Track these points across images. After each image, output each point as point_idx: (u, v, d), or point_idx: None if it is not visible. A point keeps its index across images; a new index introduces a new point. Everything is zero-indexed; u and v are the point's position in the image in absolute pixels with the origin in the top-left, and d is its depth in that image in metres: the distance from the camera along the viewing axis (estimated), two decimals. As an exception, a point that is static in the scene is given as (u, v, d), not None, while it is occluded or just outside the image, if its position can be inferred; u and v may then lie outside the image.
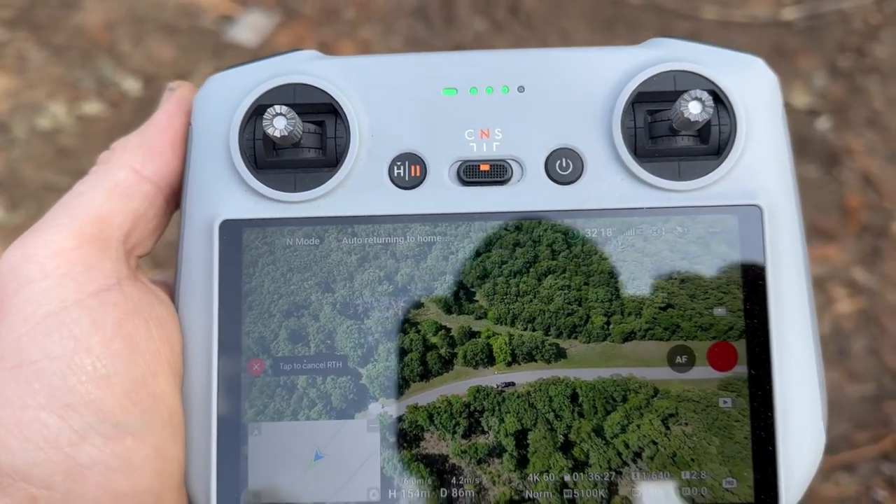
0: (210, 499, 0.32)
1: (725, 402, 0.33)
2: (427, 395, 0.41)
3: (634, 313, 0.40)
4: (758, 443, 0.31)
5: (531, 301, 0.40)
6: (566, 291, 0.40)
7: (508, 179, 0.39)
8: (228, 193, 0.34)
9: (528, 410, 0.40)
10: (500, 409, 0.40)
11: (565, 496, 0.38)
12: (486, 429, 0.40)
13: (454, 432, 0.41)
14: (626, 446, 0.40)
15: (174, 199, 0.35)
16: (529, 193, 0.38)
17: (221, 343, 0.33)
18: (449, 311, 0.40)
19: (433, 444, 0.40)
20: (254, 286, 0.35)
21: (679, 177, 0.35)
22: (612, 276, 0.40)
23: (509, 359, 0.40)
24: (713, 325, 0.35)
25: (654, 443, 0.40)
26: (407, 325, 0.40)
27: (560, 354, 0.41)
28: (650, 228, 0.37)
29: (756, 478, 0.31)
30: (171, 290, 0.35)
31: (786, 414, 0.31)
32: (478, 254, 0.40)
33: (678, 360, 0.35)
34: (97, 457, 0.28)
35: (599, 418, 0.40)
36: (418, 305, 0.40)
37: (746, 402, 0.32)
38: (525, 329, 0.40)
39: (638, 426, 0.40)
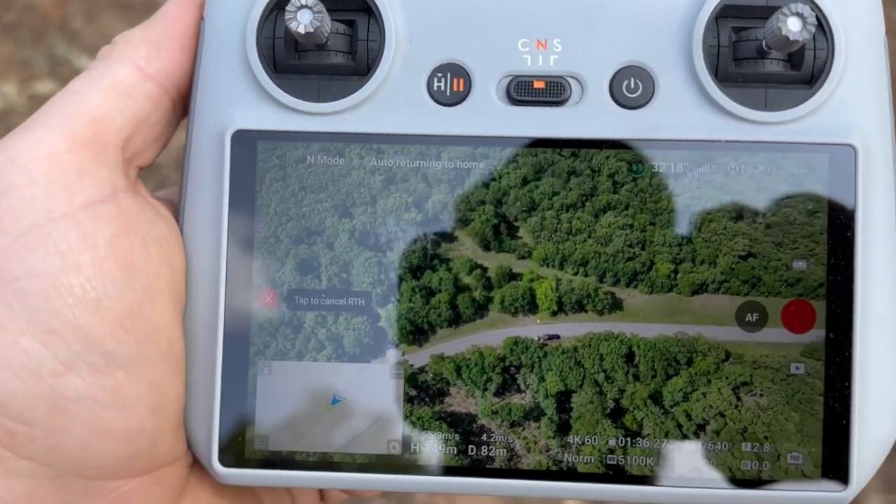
0: (211, 443, 0.28)
1: (798, 367, 0.29)
2: (456, 343, 0.35)
3: (708, 261, 0.33)
4: (830, 415, 0.28)
5: (585, 241, 0.34)
6: (628, 231, 0.34)
7: (566, 100, 0.32)
8: (243, 100, 0.30)
9: (573, 369, 0.34)
10: (540, 366, 0.34)
11: (608, 461, 0.32)
12: (522, 387, 0.35)
13: (485, 389, 0.35)
14: (688, 417, 0.34)
15: (182, 103, 0.31)
16: (590, 117, 0.32)
17: (230, 270, 0.29)
18: (487, 247, 0.34)
19: (459, 401, 0.35)
20: (268, 206, 0.31)
21: (765, 107, 0.29)
22: (684, 216, 0.33)
23: (555, 307, 0.34)
24: (791, 280, 0.29)
25: (722, 415, 0.34)
26: (436, 260, 0.34)
27: (615, 305, 0.34)
28: (729, 165, 0.31)
29: (825, 453, 0.28)
30: (175, 209, 0.31)
31: (864, 384, 0.28)
32: (525, 181, 0.34)
33: (748, 318, 0.30)
34: (84, 390, 0.25)
35: (658, 383, 0.34)
36: (451, 239, 0.34)
37: (821, 369, 0.28)
38: (576, 273, 0.34)
39: (704, 394, 0.34)
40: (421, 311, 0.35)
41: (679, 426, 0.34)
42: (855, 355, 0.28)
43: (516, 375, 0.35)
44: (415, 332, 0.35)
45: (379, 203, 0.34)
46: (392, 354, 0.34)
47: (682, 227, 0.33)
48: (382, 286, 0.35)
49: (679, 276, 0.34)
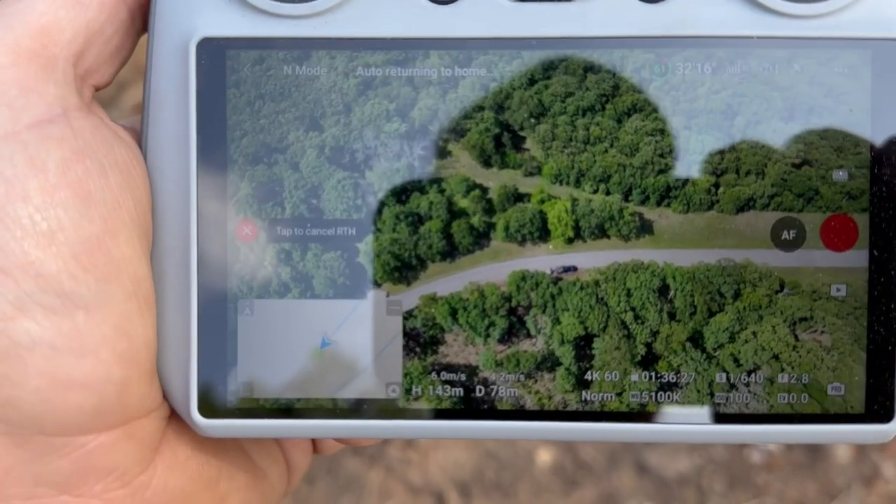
0: (189, 393, 0.25)
1: (839, 289, 0.25)
2: (451, 280, 0.29)
3: (755, 172, 0.28)
4: (875, 341, 0.25)
5: (606, 151, 0.28)
6: (658, 138, 0.28)
7: None
8: (208, 4, 0.26)
9: (594, 308, 0.28)
10: (554, 305, 0.28)
11: (630, 399, 0.27)
12: (533, 332, 0.29)
13: (487, 335, 0.29)
14: (736, 362, 0.28)
15: (141, 14, 0.27)
16: (605, 12, 0.26)
17: (201, 198, 0.26)
18: (487, 162, 0.28)
19: (457, 350, 0.29)
20: (242, 124, 0.27)
21: None
22: (726, 117, 0.27)
23: (571, 233, 0.28)
24: (831, 191, 0.25)
25: (777, 357, 0.28)
26: (425, 180, 0.28)
27: (644, 229, 0.28)
28: (761, 64, 0.26)
29: (869, 383, 0.25)
30: (138, 136, 0.27)
31: None
32: (532, 81, 0.28)
33: (784, 235, 0.26)
34: (39, 335, 0.23)
35: (699, 321, 0.28)
36: (443, 153, 0.28)
37: (865, 290, 0.25)
38: (595, 191, 0.28)
39: (754, 334, 0.28)
40: (408, 243, 0.28)
41: (725, 372, 0.28)
42: None
43: (525, 318, 0.29)
44: (401, 269, 0.29)
45: (354, 112, 0.28)
46: (374, 297, 0.28)
47: (724, 131, 0.27)
48: (360, 213, 0.28)
49: (721, 190, 0.28)
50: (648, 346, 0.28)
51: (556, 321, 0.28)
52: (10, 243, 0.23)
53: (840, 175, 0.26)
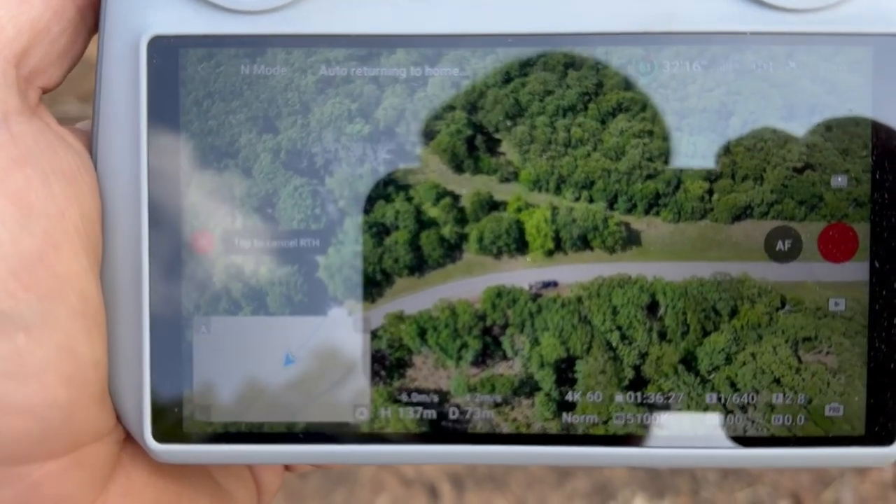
0: (143, 416, 0.24)
1: (837, 303, 0.24)
2: (419, 297, 0.26)
3: (753, 177, 0.25)
4: (876, 359, 0.23)
5: (589, 154, 0.25)
6: (645, 140, 0.25)
7: None
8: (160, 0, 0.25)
9: (577, 327, 0.26)
10: (532, 324, 0.26)
11: (615, 423, 0.25)
12: (509, 354, 0.26)
13: (459, 358, 0.26)
14: (733, 386, 0.25)
15: (91, 14, 0.25)
16: (587, 6, 0.24)
17: (153, 208, 0.24)
18: (459, 167, 0.26)
19: (426, 373, 0.26)
20: (195, 127, 0.25)
21: None
22: (721, 116, 0.25)
23: (551, 245, 0.26)
24: (829, 199, 0.24)
25: (778, 381, 0.25)
26: (391, 187, 0.26)
27: (631, 240, 0.26)
28: (755, 62, 0.24)
29: (869, 404, 0.24)
30: (89, 140, 0.26)
31: None
32: (507, 79, 0.25)
33: (779, 246, 0.24)
34: None
35: (692, 342, 0.26)
36: (410, 158, 0.26)
37: (865, 304, 0.23)
38: (577, 199, 0.26)
39: (753, 355, 0.25)
40: (372, 256, 0.26)
41: (721, 398, 0.25)
42: None
43: (501, 338, 0.26)
44: (364, 285, 0.26)
45: (313, 112, 0.25)
46: (335, 315, 0.26)
47: (719, 132, 0.25)
48: (319, 224, 0.26)
49: (715, 197, 0.25)
50: (637, 368, 0.25)
51: (535, 342, 0.26)
52: None
53: (839, 181, 0.24)
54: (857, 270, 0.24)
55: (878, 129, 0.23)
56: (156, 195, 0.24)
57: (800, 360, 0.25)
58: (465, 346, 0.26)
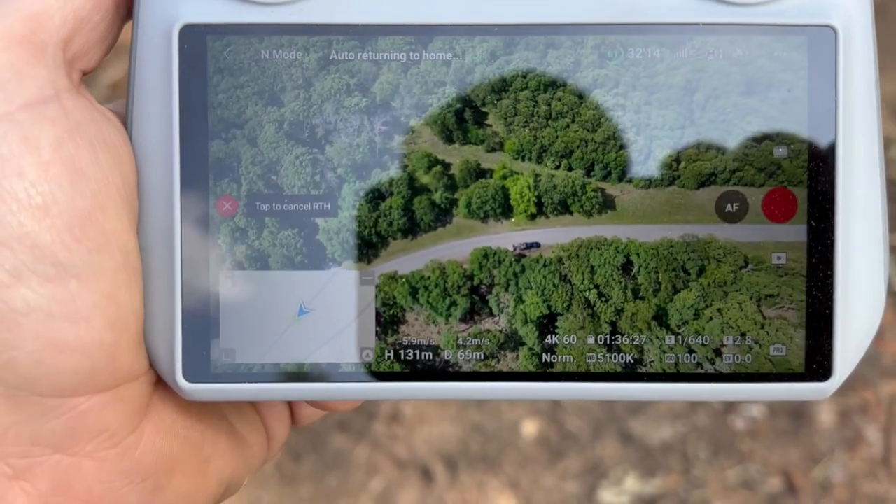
0: (174, 359, 0.27)
1: (779, 258, 0.26)
2: (411, 258, 0.28)
3: (716, 147, 0.27)
4: (813, 305, 0.26)
5: (568, 126, 0.28)
6: (620, 113, 0.27)
7: None
8: None
9: (558, 286, 0.28)
10: (517, 284, 0.28)
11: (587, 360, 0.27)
12: (495, 311, 0.28)
13: (448, 315, 0.28)
14: (701, 340, 0.27)
15: (126, 3, 0.28)
16: (564, 1, 0.27)
17: (184, 176, 0.27)
18: (449, 138, 0.28)
19: (417, 330, 0.28)
20: (221, 106, 0.27)
21: None
22: (687, 92, 0.27)
23: (533, 209, 0.28)
24: (771, 167, 0.26)
25: (743, 335, 0.27)
26: (387, 156, 0.28)
27: (607, 204, 0.28)
28: (707, 49, 0.26)
29: (808, 344, 0.26)
30: (124, 118, 0.28)
31: (847, 273, 0.26)
32: (493, 56, 0.27)
33: (728, 208, 0.27)
34: (35, 302, 0.24)
35: (663, 298, 0.28)
36: (405, 129, 0.28)
37: (804, 258, 0.26)
38: (558, 167, 0.28)
39: (720, 311, 0.27)
40: (368, 220, 0.28)
41: (690, 351, 0.27)
42: (837, 243, 0.26)
43: (487, 296, 0.28)
44: (360, 247, 0.28)
45: (314, 86, 0.28)
46: (340, 271, 0.27)
47: (686, 106, 0.27)
48: (319, 189, 0.28)
49: (682, 165, 0.27)
50: (613, 324, 0.27)
51: (520, 300, 0.28)
52: (7, 216, 0.24)
53: (780, 151, 0.26)
54: (796, 229, 0.26)
55: (813, 107, 0.26)
56: (186, 165, 0.27)
57: (763, 316, 0.27)
58: (454, 304, 0.28)
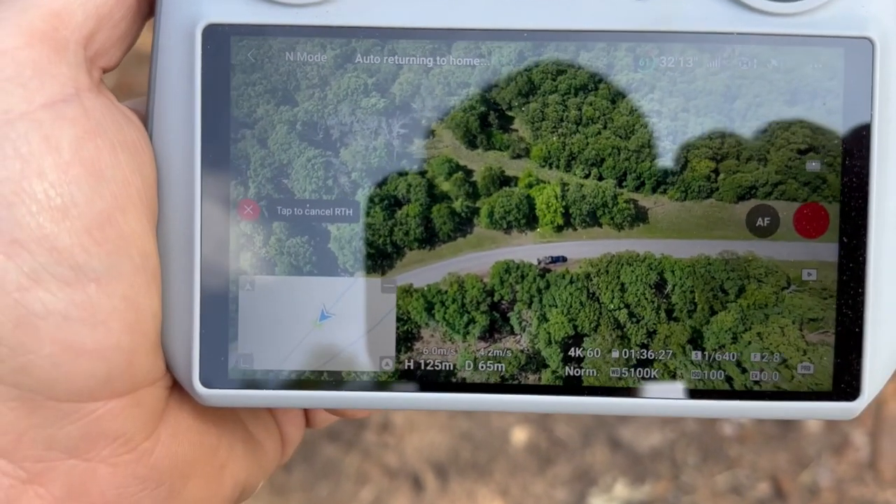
0: (192, 363, 0.26)
1: (810, 273, 0.25)
2: (428, 270, 0.26)
3: (757, 158, 0.26)
4: (843, 323, 0.25)
5: (599, 133, 0.26)
6: (655, 120, 0.26)
7: None
8: None
9: (586, 304, 0.26)
10: (541, 301, 0.25)
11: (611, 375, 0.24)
12: (517, 329, 0.26)
13: (466, 332, 0.26)
14: (740, 368, 0.25)
15: (147, 0, 0.28)
16: (593, 8, 0.25)
17: (205, 179, 0.26)
18: (472, 143, 0.26)
19: (433, 348, 0.26)
20: (244, 108, 0.27)
21: None
22: (727, 99, 0.25)
23: (560, 221, 0.26)
24: (804, 181, 0.25)
25: (786, 363, 0.25)
26: (405, 161, 0.26)
27: (639, 217, 0.26)
28: (741, 60, 0.25)
29: (837, 363, 0.26)
30: (143, 117, 0.28)
31: (878, 290, 0.26)
32: (521, 58, 0.26)
33: (759, 222, 0.26)
34: (53, 305, 0.24)
35: (699, 320, 0.25)
36: (425, 133, 0.26)
37: (834, 274, 0.25)
38: (587, 176, 0.26)
39: (759, 335, 0.25)
40: (383, 229, 0.26)
41: (728, 378, 0.25)
42: (869, 261, 0.25)
43: (509, 313, 0.26)
44: (375, 257, 0.26)
45: (330, 85, 0.26)
46: (359, 278, 0.26)
47: (725, 114, 0.25)
48: (332, 195, 0.26)
49: (721, 177, 0.25)
50: (645, 346, 0.25)
51: (543, 318, 0.26)
52: (26, 217, 0.23)
53: (813, 166, 0.25)
54: (827, 245, 0.25)
55: (848, 121, 0.25)
56: (207, 167, 0.26)
57: (806, 341, 0.25)
58: (472, 321, 0.26)
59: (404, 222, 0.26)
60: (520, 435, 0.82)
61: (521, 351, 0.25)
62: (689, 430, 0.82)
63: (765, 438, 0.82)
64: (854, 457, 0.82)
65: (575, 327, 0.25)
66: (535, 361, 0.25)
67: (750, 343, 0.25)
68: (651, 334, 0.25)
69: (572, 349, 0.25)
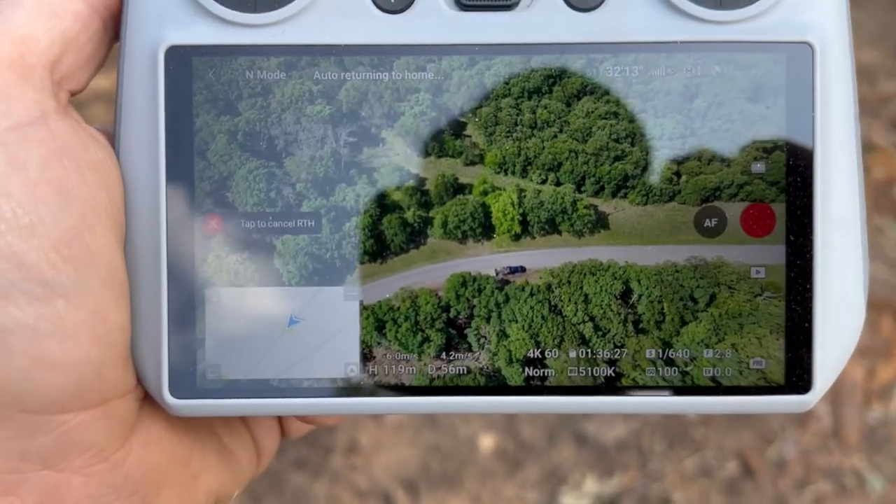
0: (161, 374, 0.27)
1: (758, 271, 0.25)
2: (379, 285, 0.24)
3: (719, 159, 0.24)
4: (792, 318, 0.26)
5: (556, 136, 0.24)
6: (612, 122, 0.24)
7: (517, 3, 0.25)
8: (176, 15, 0.27)
9: (547, 318, 0.24)
10: (500, 315, 0.24)
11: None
12: (475, 346, 0.24)
13: (420, 351, 0.24)
14: (715, 381, 0.23)
15: (113, 23, 0.28)
16: (542, 21, 0.25)
17: (170, 194, 0.27)
18: (424, 150, 0.24)
19: (385, 367, 0.24)
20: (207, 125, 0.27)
21: (720, 5, 0.26)
22: (686, 98, 0.24)
23: (518, 229, 0.24)
24: (750, 182, 0.25)
25: (740, 359, 0.23)
26: (353, 170, 0.24)
27: (600, 223, 0.24)
28: (686, 67, 0.25)
29: (788, 357, 0.26)
30: (111, 137, 0.28)
31: (825, 286, 0.26)
32: (472, 61, 0.25)
33: (707, 223, 0.26)
34: (23, 319, 0.25)
35: (669, 331, 0.24)
36: (374, 141, 0.24)
37: (782, 271, 0.26)
38: (544, 181, 0.24)
39: (734, 346, 0.23)
40: (329, 242, 0.24)
41: (683, 375, 0.23)
42: (816, 257, 0.26)
43: (466, 329, 0.24)
44: (321, 272, 0.24)
45: (274, 93, 0.24)
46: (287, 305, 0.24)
47: (685, 113, 0.24)
48: (275, 207, 0.24)
49: (684, 179, 0.24)
50: (613, 363, 0.23)
51: (503, 334, 0.24)
52: None
53: (758, 167, 0.25)
54: (775, 244, 0.26)
55: (791, 123, 0.25)
56: (172, 183, 0.26)
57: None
58: (426, 339, 0.24)
59: (352, 234, 0.24)
60: (486, 441, 0.82)
61: (481, 369, 0.23)
62: (652, 419, 0.83)
63: (728, 418, 0.83)
64: (817, 427, 0.83)
65: (537, 343, 0.23)
66: (495, 380, 0.23)
67: (723, 356, 0.23)
68: (619, 348, 0.23)
69: (535, 368, 0.23)
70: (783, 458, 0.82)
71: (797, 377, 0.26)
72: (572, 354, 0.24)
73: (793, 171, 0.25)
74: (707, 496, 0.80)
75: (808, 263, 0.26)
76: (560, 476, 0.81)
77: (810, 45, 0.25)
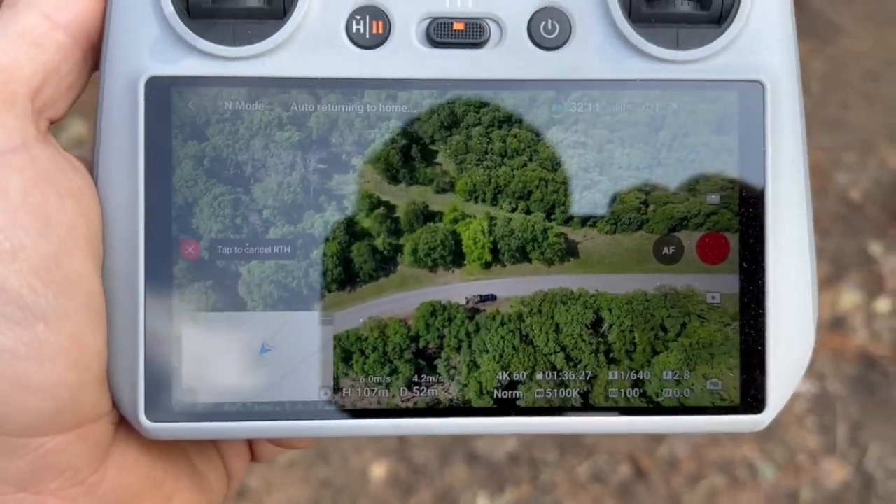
0: (137, 398, 0.27)
1: (714, 297, 0.26)
2: (347, 314, 0.23)
3: (686, 188, 0.24)
4: (746, 342, 0.27)
5: (525, 165, 0.24)
6: (581, 151, 0.24)
7: (486, 42, 0.26)
8: (156, 47, 0.27)
9: (518, 348, 0.23)
10: (470, 345, 0.23)
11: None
12: (444, 377, 0.23)
13: (388, 383, 0.23)
14: (680, 403, 0.23)
15: (93, 54, 0.29)
16: (509, 59, 0.26)
17: (148, 221, 0.27)
18: (394, 178, 0.24)
19: (352, 398, 0.23)
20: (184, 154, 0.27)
21: (677, 46, 0.27)
22: (652, 129, 0.25)
23: (488, 257, 0.24)
24: (705, 212, 0.26)
25: (693, 381, 0.23)
26: (323, 197, 0.24)
27: (570, 251, 0.24)
28: (644, 104, 0.26)
29: (743, 379, 0.27)
30: (90, 165, 0.29)
31: (777, 311, 0.27)
32: (443, 90, 0.25)
33: (665, 251, 0.26)
34: (2, 343, 0.25)
35: (641, 361, 0.23)
36: (344, 167, 0.24)
37: (736, 297, 0.27)
38: (514, 209, 0.24)
39: (705, 377, 0.23)
40: (297, 270, 0.23)
41: (633, 386, 0.23)
42: (768, 284, 0.27)
43: (436, 360, 0.23)
44: (288, 300, 0.23)
45: (242, 118, 0.24)
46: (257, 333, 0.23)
47: (651, 144, 0.25)
48: (241, 234, 0.23)
49: (651, 208, 0.24)
50: (585, 395, 0.23)
51: (473, 365, 0.23)
52: None
53: (713, 199, 0.26)
54: (728, 271, 0.27)
55: (743, 157, 0.27)
56: (150, 211, 0.26)
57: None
58: (395, 371, 0.23)
59: (320, 262, 0.23)
60: (378, 470, 0.81)
61: (451, 401, 0.23)
62: (543, 430, 0.85)
63: (619, 422, 0.86)
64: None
65: (509, 373, 0.23)
66: (465, 413, 0.23)
67: (693, 386, 0.23)
68: (590, 378, 0.23)
69: (505, 400, 0.23)
70: (675, 456, 0.83)
71: (752, 398, 0.27)
72: (543, 384, 0.23)
73: (745, 202, 0.26)
74: (601, 501, 0.81)
75: (760, 290, 0.27)
76: (452, 497, 0.81)
77: (761, 84, 0.26)
